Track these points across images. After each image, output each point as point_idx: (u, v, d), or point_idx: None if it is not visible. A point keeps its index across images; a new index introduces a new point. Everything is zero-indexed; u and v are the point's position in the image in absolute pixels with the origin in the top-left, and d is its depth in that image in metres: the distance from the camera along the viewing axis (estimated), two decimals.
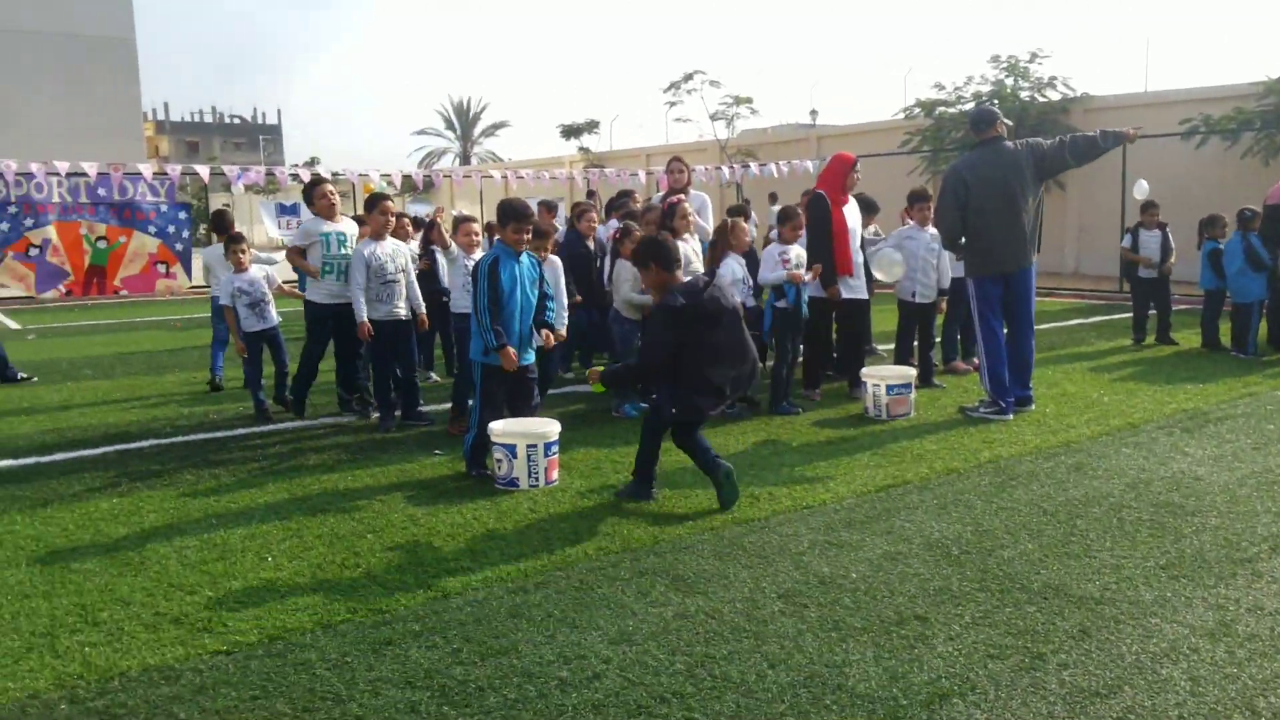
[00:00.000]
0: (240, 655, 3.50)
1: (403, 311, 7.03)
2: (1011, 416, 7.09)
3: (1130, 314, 11.28)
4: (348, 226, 7.11)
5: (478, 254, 6.80)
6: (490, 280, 5.62)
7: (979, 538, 4.59)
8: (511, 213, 5.74)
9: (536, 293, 5.89)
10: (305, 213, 8.73)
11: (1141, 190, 11.40)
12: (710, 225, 9.04)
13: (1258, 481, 5.43)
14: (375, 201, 7.00)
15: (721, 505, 5.09)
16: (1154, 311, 10.80)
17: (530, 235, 5.92)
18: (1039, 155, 7.18)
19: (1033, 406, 7.33)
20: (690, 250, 7.60)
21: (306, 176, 20.49)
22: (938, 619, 3.71)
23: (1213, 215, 10.63)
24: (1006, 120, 7.48)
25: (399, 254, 7.03)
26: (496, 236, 6.24)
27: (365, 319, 6.78)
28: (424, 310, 7.22)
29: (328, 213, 7.12)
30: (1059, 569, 4.19)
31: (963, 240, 7.30)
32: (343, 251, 6.98)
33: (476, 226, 7.17)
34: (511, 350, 5.64)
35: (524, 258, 5.83)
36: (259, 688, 3.27)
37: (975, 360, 8.85)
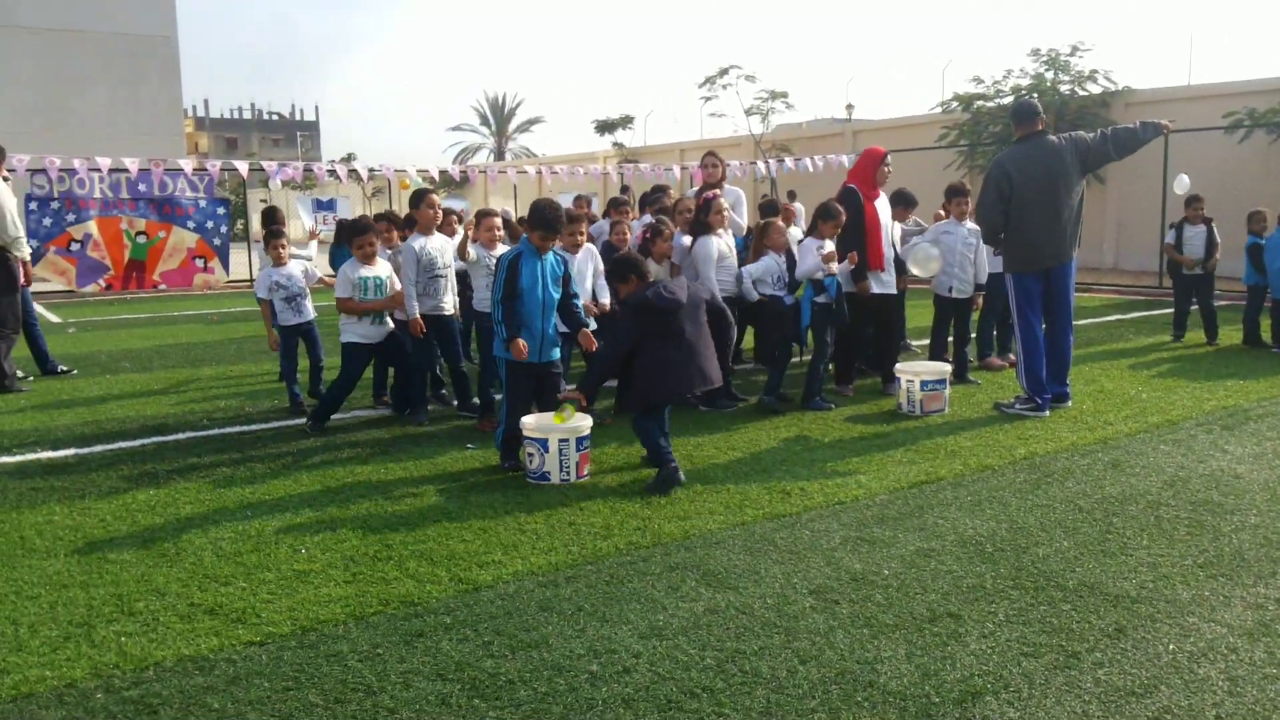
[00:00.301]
0: (273, 646, 3.53)
1: (448, 307, 7.09)
2: (1048, 413, 7.00)
3: (1171, 309, 11.11)
4: (383, 269, 7.00)
5: (499, 249, 6.84)
6: (510, 274, 5.64)
7: (1013, 535, 4.54)
8: (541, 221, 5.69)
9: (560, 290, 5.87)
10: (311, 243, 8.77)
11: (1182, 185, 11.20)
12: (745, 220, 9.00)
13: None
14: (421, 196, 7.03)
15: (647, 489, 5.30)
16: (1195, 307, 10.61)
17: (557, 243, 5.96)
18: (1083, 149, 7.07)
19: (1069, 403, 7.23)
20: (724, 245, 7.58)
21: (343, 172, 20.69)
22: (971, 616, 3.68)
23: (1255, 210, 10.44)
24: (1043, 115, 7.36)
25: (446, 249, 7.07)
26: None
27: (417, 314, 6.84)
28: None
29: (429, 224, 7.04)
30: (1095, 567, 4.14)
31: (1002, 235, 7.21)
32: (379, 295, 6.92)
33: (498, 221, 7.20)
34: (521, 342, 5.63)
35: (549, 255, 5.83)
36: (291, 679, 3.30)
37: (1011, 356, 8.76)
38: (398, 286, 7.00)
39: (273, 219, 8.78)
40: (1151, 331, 11.28)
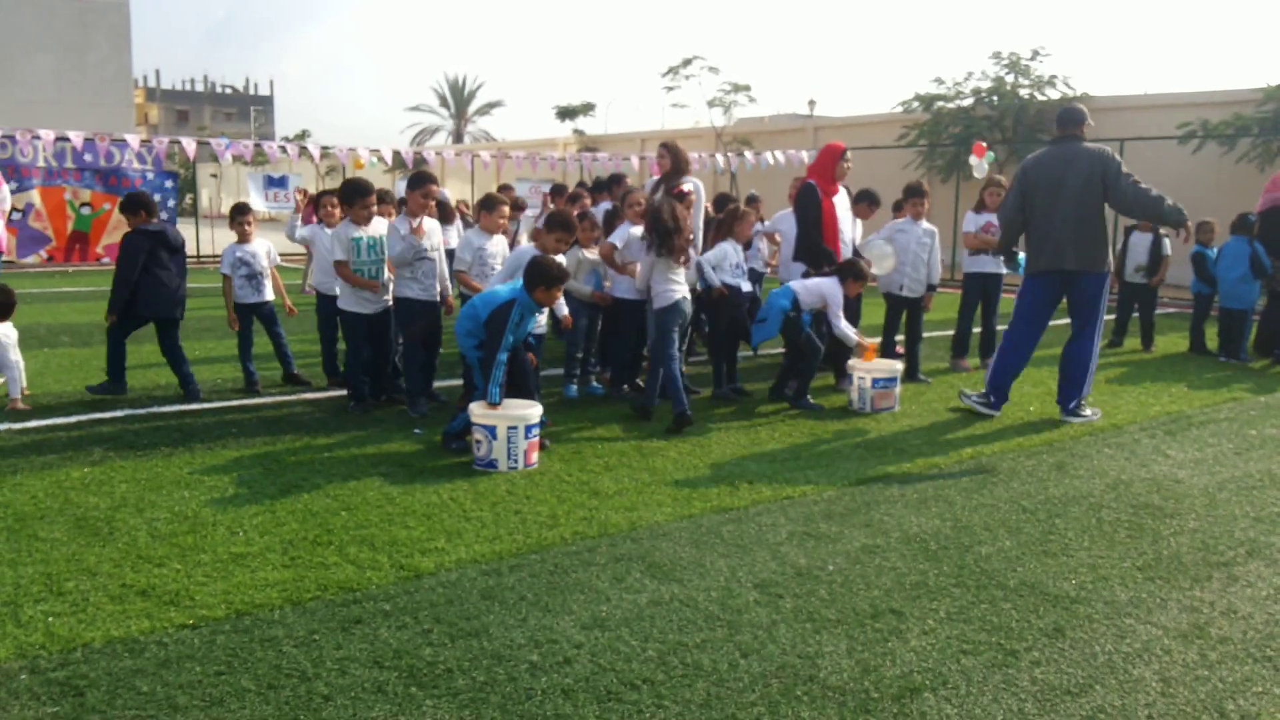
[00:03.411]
0: (206, 630, 3.45)
1: (435, 293, 6.96)
2: (996, 413, 7.07)
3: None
4: (377, 229, 6.82)
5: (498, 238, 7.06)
6: (504, 329, 5.58)
7: (957, 533, 4.58)
8: (543, 277, 5.70)
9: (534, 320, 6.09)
10: (293, 216, 8.51)
11: None
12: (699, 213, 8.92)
13: (1237, 486, 5.43)
14: (420, 182, 6.88)
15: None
16: (1138, 314, 10.80)
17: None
18: (1110, 172, 6.71)
19: (1073, 420, 7.04)
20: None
21: (294, 151, 20.36)
22: (912, 613, 3.69)
23: (1203, 220, 10.61)
24: (1090, 123, 7.12)
25: (434, 233, 6.94)
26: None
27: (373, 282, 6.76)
28: (451, 293, 7.08)
29: (419, 210, 6.84)
30: (1036, 567, 4.18)
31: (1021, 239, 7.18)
32: (373, 256, 6.76)
33: (506, 209, 7.22)
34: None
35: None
36: (224, 663, 3.22)
37: (990, 360, 8.91)
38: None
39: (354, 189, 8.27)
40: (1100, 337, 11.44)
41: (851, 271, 7.37)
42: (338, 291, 7.12)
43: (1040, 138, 21.18)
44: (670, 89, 28.38)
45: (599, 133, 35.07)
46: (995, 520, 4.78)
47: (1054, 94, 21.53)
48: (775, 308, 7.26)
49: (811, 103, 39.65)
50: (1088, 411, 7.01)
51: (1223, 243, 10.31)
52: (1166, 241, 10.69)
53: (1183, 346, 10.54)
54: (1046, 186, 6.85)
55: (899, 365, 7.51)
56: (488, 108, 65.84)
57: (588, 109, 34.23)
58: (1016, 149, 21.15)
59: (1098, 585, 4.00)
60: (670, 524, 4.63)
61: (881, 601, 3.80)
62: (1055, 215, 6.80)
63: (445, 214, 7.89)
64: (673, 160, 7.95)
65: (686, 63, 26.59)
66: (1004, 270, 8.98)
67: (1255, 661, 3.37)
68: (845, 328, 7.26)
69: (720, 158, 22.27)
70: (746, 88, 27.11)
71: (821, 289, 7.28)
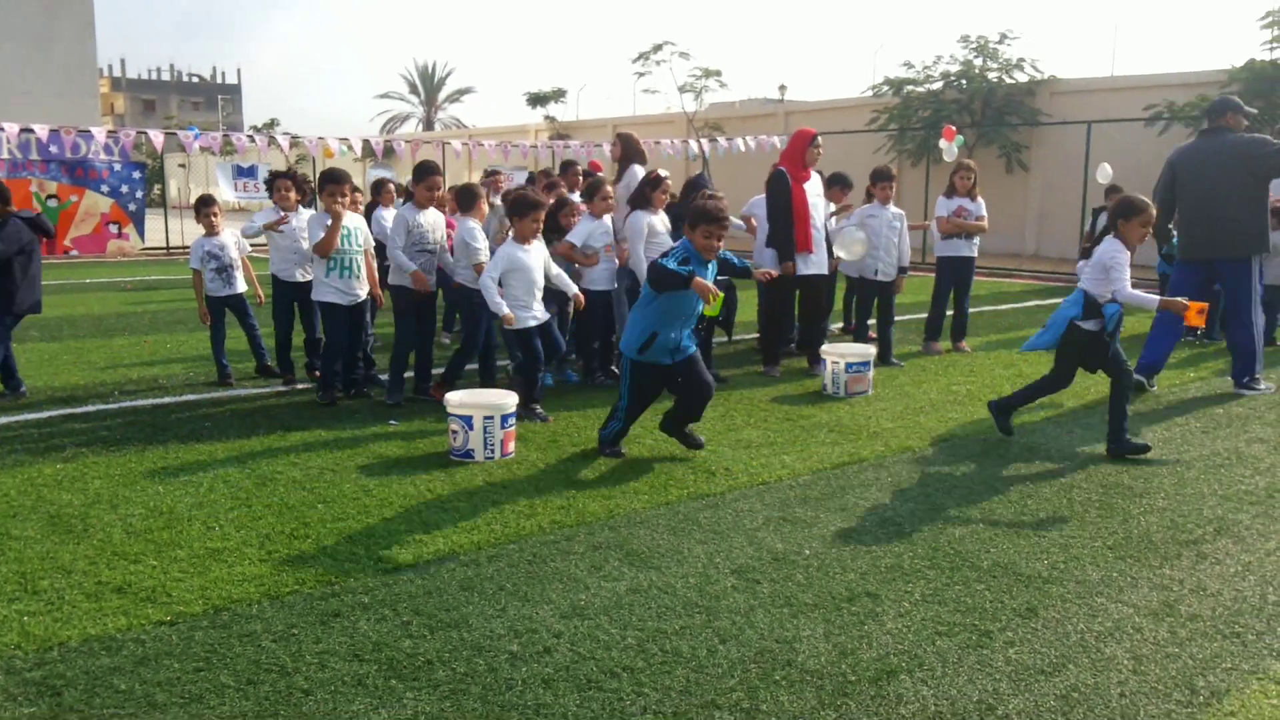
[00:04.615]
0: (184, 626, 3.44)
1: (431, 284, 6.92)
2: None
3: None
4: (352, 220, 6.73)
5: (607, 220, 7.27)
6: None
7: (931, 515, 4.63)
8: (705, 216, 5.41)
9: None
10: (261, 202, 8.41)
11: (1105, 174, 11.47)
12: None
13: (1205, 465, 5.52)
14: (425, 174, 6.84)
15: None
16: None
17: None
18: (1260, 153, 7.14)
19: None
20: (659, 222, 7.48)
21: (263, 141, 20.15)
22: (888, 596, 3.74)
23: None
24: (1250, 109, 7.60)
25: (438, 227, 6.90)
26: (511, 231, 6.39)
27: (413, 268, 6.71)
28: (575, 291, 6.84)
29: (425, 201, 6.84)
30: (1008, 547, 4.24)
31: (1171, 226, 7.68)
32: (353, 246, 6.68)
33: (609, 190, 7.31)
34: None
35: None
36: (202, 659, 3.21)
37: (963, 344, 9.02)
38: (367, 237, 6.83)
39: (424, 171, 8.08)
40: None
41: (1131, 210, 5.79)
42: (298, 278, 7.11)
43: (1009, 120, 21.32)
44: (641, 75, 28.30)
45: (570, 119, 34.93)
46: (968, 502, 4.83)
47: (1021, 77, 21.67)
48: (1060, 318, 5.84)
49: (783, 88, 39.74)
50: (1262, 385, 7.37)
51: None
52: None
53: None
54: (1189, 179, 7.37)
55: (872, 349, 7.55)
56: (458, 94, 65.74)
57: (559, 95, 34.07)
58: (985, 132, 21.27)
59: (1069, 565, 4.06)
60: (648, 511, 4.65)
61: (857, 585, 3.84)
62: (1201, 208, 7.29)
63: (302, 192, 7.68)
64: (624, 148, 8.10)
65: (657, 48, 26.55)
66: (976, 254, 9.07)
67: (1224, 638, 3.43)
68: (1135, 294, 5.77)
69: (692, 144, 22.25)
70: (718, 73, 27.11)
71: (1100, 258, 5.77)
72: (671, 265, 5.18)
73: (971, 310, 9.54)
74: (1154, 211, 5.77)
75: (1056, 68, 29.85)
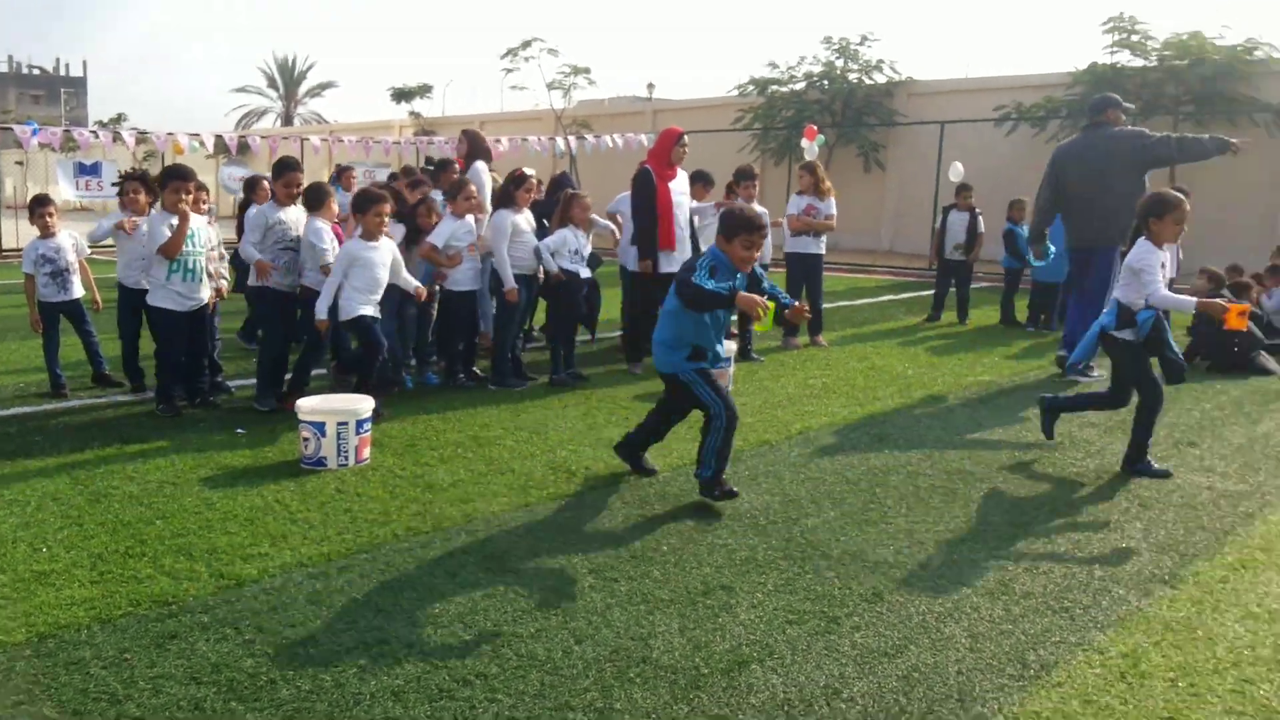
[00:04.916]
0: (4, 656, 3.21)
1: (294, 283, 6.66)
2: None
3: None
4: (196, 221, 6.37)
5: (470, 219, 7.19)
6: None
7: (785, 507, 4.73)
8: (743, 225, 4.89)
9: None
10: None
11: (956, 172, 11.95)
12: (488, 199, 8.45)
13: (1042, 449, 5.81)
14: (284, 170, 6.68)
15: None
16: (955, 289, 11.38)
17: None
18: (1139, 145, 7.61)
19: (1080, 380, 7.68)
20: (523, 220, 7.40)
21: (108, 136, 19.11)
22: (742, 588, 3.80)
23: (1015, 198, 11.24)
24: (1128, 105, 8.08)
25: (300, 224, 6.61)
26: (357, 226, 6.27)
27: (258, 258, 6.55)
28: (416, 285, 6.63)
29: (286, 201, 6.66)
30: (858, 535, 4.37)
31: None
32: (196, 248, 6.33)
33: (473, 189, 7.20)
34: None
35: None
36: (24, 691, 3.01)
37: (820, 339, 9.25)
38: (210, 237, 6.56)
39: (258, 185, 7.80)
40: (920, 311, 12.03)
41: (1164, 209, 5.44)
42: (144, 285, 6.77)
43: (867, 120, 22.02)
44: (509, 71, 27.98)
45: (436, 115, 34.38)
46: (821, 492, 4.96)
47: (880, 78, 22.42)
48: (1095, 328, 5.61)
49: (650, 86, 39.90)
50: (1095, 373, 7.70)
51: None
52: (981, 220, 11.30)
53: (995, 319, 11.18)
54: (1073, 171, 7.84)
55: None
56: (319, 89, 63.70)
57: (425, 91, 33.48)
58: (845, 132, 21.92)
59: (914, 550, 4.21)
60: (506, 514, 4.61)
61: (713, 578, 3.89)
62: (1084, 199, 7.74)
63: (261, 194, 7.56)
64: (470, 146, 8.15)
65: (526, 44, 26.40)
66: (824, 251, 9.38)
67: (1054, 613, 3.62)
68: (1169, 295, 5.43)
69: (560, 141, 22.19)
70: (586, 70, 27.13)
71: (1129, 262, 5.41)
72: (709, 284, 4.66)
73: (827, 305, 9.83)
74: (1186, 207, 5.38)
75: (913, 69, 30.92)
